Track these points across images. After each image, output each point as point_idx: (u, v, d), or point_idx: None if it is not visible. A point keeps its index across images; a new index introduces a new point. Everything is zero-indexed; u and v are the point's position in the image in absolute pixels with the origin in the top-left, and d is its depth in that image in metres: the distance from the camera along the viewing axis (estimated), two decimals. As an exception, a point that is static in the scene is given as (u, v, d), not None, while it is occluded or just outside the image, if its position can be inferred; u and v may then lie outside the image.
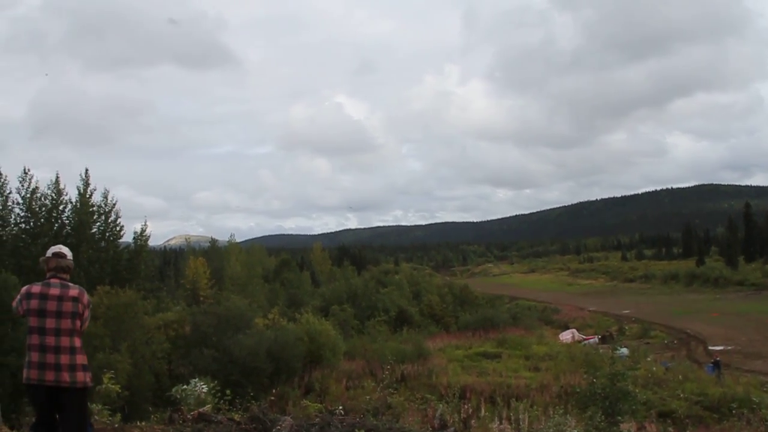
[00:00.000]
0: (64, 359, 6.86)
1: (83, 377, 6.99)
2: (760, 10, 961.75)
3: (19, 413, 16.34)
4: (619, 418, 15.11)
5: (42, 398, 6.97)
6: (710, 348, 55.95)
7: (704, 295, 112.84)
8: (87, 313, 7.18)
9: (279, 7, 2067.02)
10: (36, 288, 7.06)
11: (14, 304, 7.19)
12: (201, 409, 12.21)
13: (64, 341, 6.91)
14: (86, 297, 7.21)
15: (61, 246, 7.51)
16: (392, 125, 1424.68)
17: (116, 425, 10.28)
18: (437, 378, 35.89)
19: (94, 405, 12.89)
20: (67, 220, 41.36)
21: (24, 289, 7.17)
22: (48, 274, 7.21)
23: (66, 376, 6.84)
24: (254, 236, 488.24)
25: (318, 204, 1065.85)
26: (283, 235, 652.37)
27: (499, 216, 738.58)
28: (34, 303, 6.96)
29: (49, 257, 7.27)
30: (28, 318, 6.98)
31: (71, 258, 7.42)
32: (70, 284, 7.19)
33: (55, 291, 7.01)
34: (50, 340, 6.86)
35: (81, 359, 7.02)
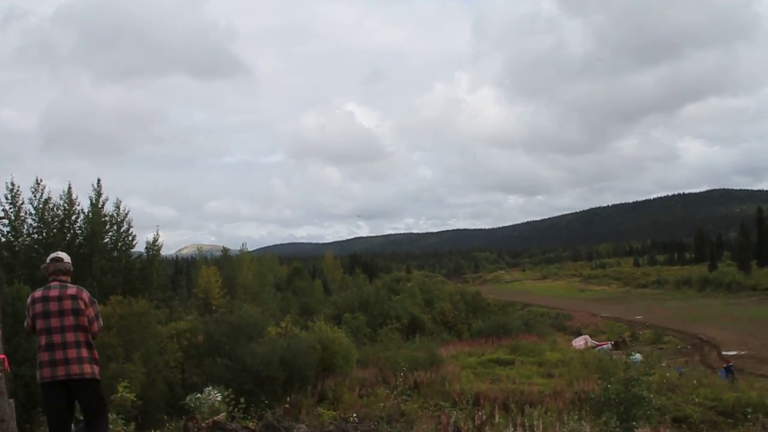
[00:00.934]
0: (72, 353, 7.32)
1: (90, 369, 7.41)
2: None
3: (33, 423, 16.41)
4: (634, 423, 15.08)
5: (56, 396, 7.34)
6: (724, 353, 55.69)
7: (717, 300, 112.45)
8: (92, 311, 7.60)
9: (289, 16, 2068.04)
10: (38, 293, 7.57)
11: (26, 324, 7.65)
12: (215, 418, 12.24)
13: (69, 336, 7.33)
14: (86, 294, 7.63)
15: (58, 252, 8.04)
16: (403, 133, 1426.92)
17: (131, 434, 10.30)
18: (450, 385, 35.78)
19: (109, 414, 12.92)
20: (80, 230, 41.48)
21: (29, 298, 7.62)
22: (49, 279, 7.67)
23: (76, 369, 7.27)
24: (266, 245, 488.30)
25: (329, 212, 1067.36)
26: (295, 243, 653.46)
27: (511, 223, 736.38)
28: (38, 307, 7.43)
29: (48, 263, 7.73)
30: (36, 321, 7.41)
31: (69, 261, 7.90)
32: (69, 284, 7.65)
33: (54, 292, 7.48)
34: (57, 338, 7.32)
35: (87, 352, 7.44)
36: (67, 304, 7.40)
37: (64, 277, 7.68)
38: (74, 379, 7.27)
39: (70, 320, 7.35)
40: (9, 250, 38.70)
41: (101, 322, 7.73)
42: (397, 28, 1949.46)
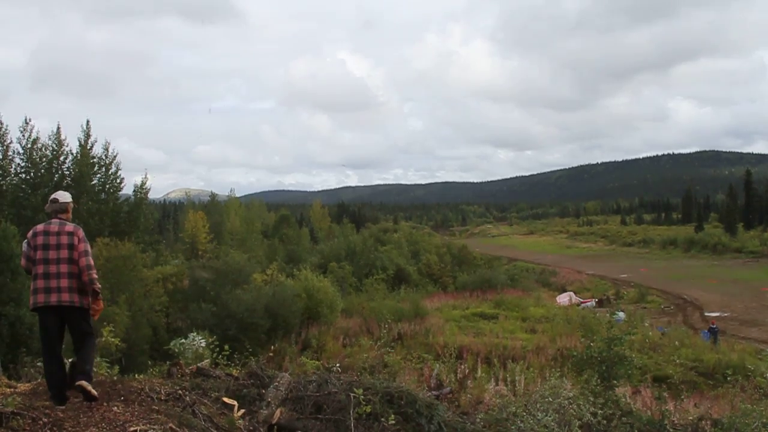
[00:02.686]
0: (64, 283, 8.07)
1: (78, 299, 8.15)
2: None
3: (17, 363, 16.39)
4: (615, 382, 15.11)
5: (50, 319, 8.11)
6: (707, 314, 56.04)
7: (702, 261, 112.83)
8: (82, 247, 8.27)
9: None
10: (40, 227, 8.32)
11: (23, 262, 8.42)
12: (199, 364, 12.26)
13: (63, 268, 8.11)
14: (81, 232, 8.39)
15: (58, 192, 8.76)
16: (394, 83, 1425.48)
17: (114, 377, 10.34)
18: (434, 338, 35.93)
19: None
20: (68, 171, 41.29)
21: (30, 231, 8.37)
22: (52, 217, 8.40)
23: (66, 297, 8.04)
24: (254, 191, 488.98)
25: (318, 161, 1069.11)
26: (283, 191, 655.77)
27: (500, 177, 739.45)
28: (40, 239, 8.20)
29: (48, 204, 8.50)
30: (35, 252, 8.19)
31: (66, 200, 8.62)
32: (68, 222, 8.43)
33: (54, 228, 8.26)
34: (53, 268, 8.09)
35: (77, 284, 8.18)
36: (64, 239, 8.15)
37: (63, 215, 8.43)
38: (65, 306, 8.01)
39: (65, 253, 8.11)
40: (-4, 189, 38.54)
41: (91, 261, 8.26)
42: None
